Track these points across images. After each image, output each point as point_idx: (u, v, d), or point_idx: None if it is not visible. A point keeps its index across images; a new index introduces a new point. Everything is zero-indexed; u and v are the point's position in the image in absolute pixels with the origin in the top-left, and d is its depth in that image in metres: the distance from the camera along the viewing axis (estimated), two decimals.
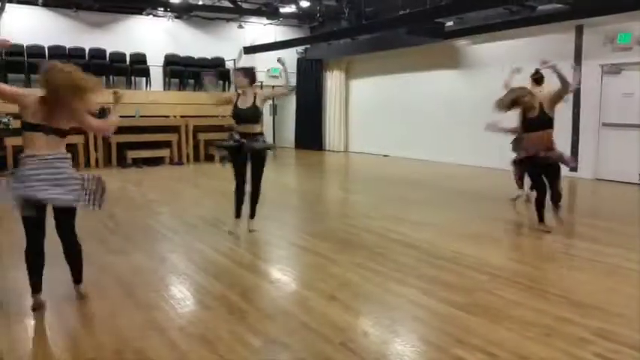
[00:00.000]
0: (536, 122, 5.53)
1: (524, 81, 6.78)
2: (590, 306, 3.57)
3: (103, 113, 11.95)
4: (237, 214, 5.53)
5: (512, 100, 5.44)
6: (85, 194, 3.60)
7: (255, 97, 5.31)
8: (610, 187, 9.06)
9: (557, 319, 3.34)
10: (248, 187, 5.50)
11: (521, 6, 9.84)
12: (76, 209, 3.65)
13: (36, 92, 3.60)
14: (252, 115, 5.30)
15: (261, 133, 5.42)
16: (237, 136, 5.27)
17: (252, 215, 5.64)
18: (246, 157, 5.33)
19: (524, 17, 10.17)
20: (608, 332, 3.14)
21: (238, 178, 5.42)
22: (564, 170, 10.10)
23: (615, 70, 9.48)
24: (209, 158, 12.90)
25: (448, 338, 3.08)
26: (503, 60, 11.16)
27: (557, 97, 5.59)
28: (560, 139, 10.05)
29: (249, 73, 5.41)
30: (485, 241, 5.50)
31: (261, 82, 15.52)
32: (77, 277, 3.75)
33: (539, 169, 5.61)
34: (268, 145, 5.53)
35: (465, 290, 3.90)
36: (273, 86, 12.86)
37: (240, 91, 5.42)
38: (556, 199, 5.68)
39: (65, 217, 3.66)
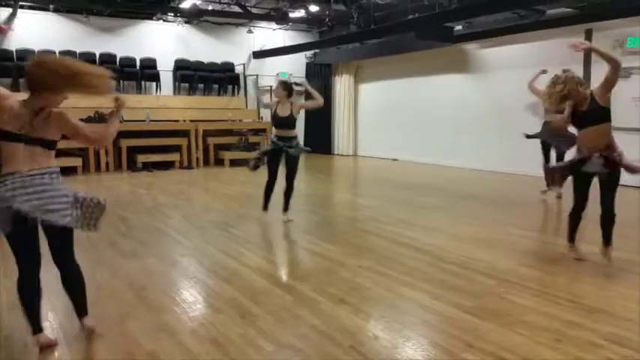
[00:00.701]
0: (589, 116, 4.56)
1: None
2: (601, 311, 3.56)
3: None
4: (265, 207, 6.41)
5: (563, 93, 4.46)
6: (76, 215, 3.03)
7: (292, 107, 6.26)
8: (619, 192, 8.96)
9: (568, 324, 3.33)
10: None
11: (530, 10, 9.83)
12: (72, 229, 3.09)
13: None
14: (289, 122, 6.26)
15: (296, 137, 6.37)
16: (275, 139, 6.23)
17: (286, 208, 6.38)
18: (281, 159, 6.22)
19: (533, 21, 10.16)
20: (619, 337, 3.13)
21: (271, 177, 6.26)
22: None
23: (625, 74, 9.42)
24: (219, 162, 12.96)
25: (458, 343, 3.09)
26: (512, 64, 11.19)
27: (610, 81, 4.57)
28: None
29: (288, 87, 6.33)
30: (496, 246, 5.49)
31: (271, 87, 15.63)
32: (81, 309, 3.23)
33: (588, 176, 4.62)
34: (304, 149, 6.58)
35: (475, 295, 3.90)
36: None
37: (278, 100, 6.32)
38: (607, 220, 4.63)
39: (60, 238, 3.09)
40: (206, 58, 14.56)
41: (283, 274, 4.54)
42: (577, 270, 4.56)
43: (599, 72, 9.57)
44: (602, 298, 3.83)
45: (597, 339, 3.11)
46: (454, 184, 9.61)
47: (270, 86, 15.64)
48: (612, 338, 3.12)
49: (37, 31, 12.54)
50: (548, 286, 4.06)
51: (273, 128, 6.48)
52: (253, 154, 6.67)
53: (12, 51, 12.25)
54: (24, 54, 12.25)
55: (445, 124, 12.71)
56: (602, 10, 9.15)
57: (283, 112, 6.26)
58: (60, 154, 11.60)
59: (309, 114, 16.44)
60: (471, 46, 12.17)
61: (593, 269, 4.55)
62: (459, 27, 11.53)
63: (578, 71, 9.90)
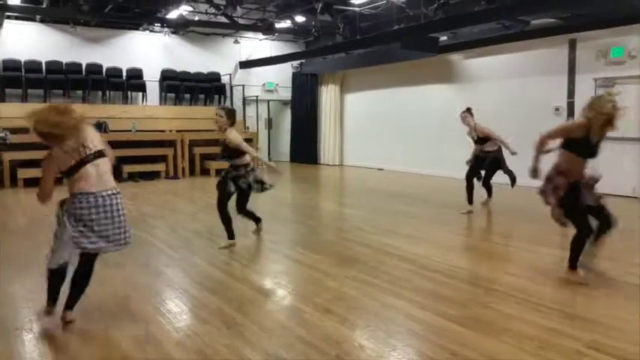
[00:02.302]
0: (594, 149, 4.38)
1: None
2: (585, 319, 3.60)
3: (99, 127, 12.04)
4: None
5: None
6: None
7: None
8: (617, 201, 9.07)
9: (552, 332, 3.36)
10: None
11: (514, 21, 9.96)
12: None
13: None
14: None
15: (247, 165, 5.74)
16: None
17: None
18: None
19: (517, 32, 10.29)
20: (603, 345, 3.16)
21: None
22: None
23: (609, 83, 9.57)
24: (205, 172, 12.93)
25: (444, 352, 3.10)
26: (497, 74, 11.31)
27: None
28: (555, 152, 10.20)
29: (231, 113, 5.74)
30: (481, 255, 5.54)
31: (257, 97, 15.65)
32: (73, 302, 3.56)
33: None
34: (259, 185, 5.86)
35: (460, 303, 3.92)
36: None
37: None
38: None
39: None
40: (192, 69, 14.56)
41: (269, 284, 4.52)
42: (561, 278, 4.59)
43: (584, 81, 9.77)
44: (587, 306, 3.87)
45: (581, 347, 3.15)
46: (439, 193, 9.66)
47: (257, 96, 15.70)
48: (595, 346, 3.15)
49: (24, 42, 12.50)
50: (533, 295, 4.09)
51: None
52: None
53: None
54: (10, 64, 12.20)
55: (430, 134, 12.80)
56: (585, 20, 9.29)
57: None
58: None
59: (296, 123, 16.53)
60: (456, 57, 12.29)
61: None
62: (444, 37, 11.65)
63: (563, 81, 10.11)
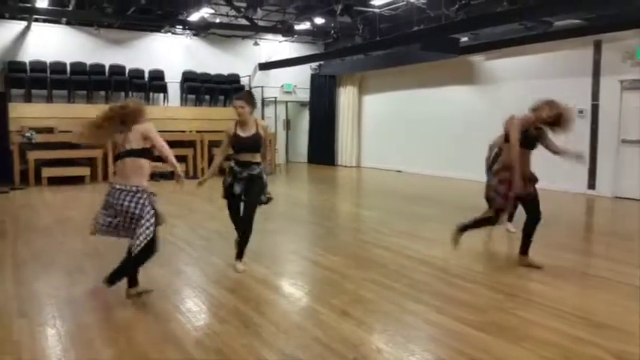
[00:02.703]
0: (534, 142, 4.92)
1: None
2: (609, 327, 3.52)
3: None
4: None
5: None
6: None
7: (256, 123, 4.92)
8: (629, 206, 8.95)
9: (576, 340, 3.30)
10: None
11: (537, 22, 9.82)
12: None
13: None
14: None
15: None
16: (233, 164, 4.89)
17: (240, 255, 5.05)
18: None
19: (540, 33, 10.14)
20: (630, 354, 3.09)
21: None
22: (583, 187, 10.03)
23: (635, 85, 9.40)
24: (223, 173, 12.95)
25: (463, 357, 3.06)
26: (519, 75, 11.17)
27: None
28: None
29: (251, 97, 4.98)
30: (501, 259, 5.48)
31: (275, 98, 15.70)
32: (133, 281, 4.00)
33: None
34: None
35: (480, 309, 3.87)
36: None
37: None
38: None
39: None
40: (213, 70, 14.67)
41: (286, 285, 4.52)
42: (585, 285, 4.53)
43: (609, 84, 9.60)
44: (611, 314, 3.78)
45: (607, 356, 3.08)
46: (459, 196, 9.57)
47: (275, 98, 15.74)
48: (622, 355, 3.08)
49: (50, 44, 12.77)
50: (555, 301, 4.02)
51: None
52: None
53: (25, 63, 12.42)
54: (37, 65, 12.43)
55: (450, 136, 12.69)
56: (611, 21, 9.09)
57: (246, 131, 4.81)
58: (69, 163, 11.64)
59: (314, 125, 16.54)
60: (477, 58, 12.18)
61: (600, 284, 4.52)
62: (465, 38, 11.54)
63: (588, 84, 9.94)
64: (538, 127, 4.82)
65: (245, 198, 4.78)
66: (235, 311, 3.80)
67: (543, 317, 3.70)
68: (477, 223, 5.19)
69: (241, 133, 4.78)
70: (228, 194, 4.84)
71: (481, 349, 3.16)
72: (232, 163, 4.84)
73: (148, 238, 3.74)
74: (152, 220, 3.79)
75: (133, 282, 3.97)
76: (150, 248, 3.81)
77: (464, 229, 5.19)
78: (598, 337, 3.34)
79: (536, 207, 4.90)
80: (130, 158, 3.87)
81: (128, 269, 3.91)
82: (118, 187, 3.82)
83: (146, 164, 3.94)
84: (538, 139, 4.86)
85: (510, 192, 4.73)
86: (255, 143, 4.79)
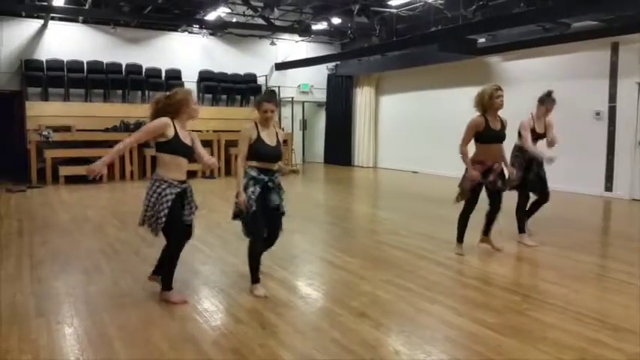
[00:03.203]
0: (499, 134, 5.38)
1: None
2: (626, 330, 3.49)
3: (138, 126, 12.26)
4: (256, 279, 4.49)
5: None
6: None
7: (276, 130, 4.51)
8: (631, 206, 8.85)
9: (593, 343, 3.28)
10: None
11: (555, 23, 9.75)
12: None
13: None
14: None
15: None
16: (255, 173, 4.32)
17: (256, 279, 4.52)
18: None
19: (558, 34, 10.07)
20: None
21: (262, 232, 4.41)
22: (600, 189, 9.93)
23: None
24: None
25: (479, 359, 3.06)
26: (536, 77, 11.09)
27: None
28: (595, 158, 9.96)
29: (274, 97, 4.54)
30: (518, 261, 5.45)
31: (292, 98, 15.74)
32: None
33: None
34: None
35: (497, 311, 3.86)
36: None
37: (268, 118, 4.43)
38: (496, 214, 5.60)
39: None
40: (229, 70, 14.75)
41: (303, 286, 4.53)
42: (602, 287, 4.49)
43: (626, 86, 9.51)
44: (627, 317, 3.75)
45: (623, 358, 3.06)
46: None
47: (292, 98, 15.77)
48: (639, 358, 3.06)
49: (67, 42, 12.90)
50: (572, 303, 4.00)
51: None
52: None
53: (42, 61, 12.56)
54: (54, 64, 12.58)
55: None
56: (628, 23, 9.03)
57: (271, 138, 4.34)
58: (86, 162, 11.80)
59: (330, 125, 16.55)
60: (494, 59, 12.12)
61: (618, 286, 4.48)
62: (482, 39, 11.49)
63: (605, 85, 9.85)
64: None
65: (277, 209, 4.37)
66: (252, 311, 3.82)
67: (560, 319, 3.68)
68: (488, 220, 5.63)
69: (266, 140, 4.28)
70: (258, 207, 4.20)
71: (497, 351, 3.15)
72: (254, 172, 4.24)
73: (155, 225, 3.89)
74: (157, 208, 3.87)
75: (157, 269, 4.16)
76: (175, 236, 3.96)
77: (486, 232, 5.66)
78: (614, 340, 3.32)
79: (499, 199, 5.45)
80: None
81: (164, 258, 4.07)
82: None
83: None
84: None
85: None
86: (280, 152, 4.42)
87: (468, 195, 5.37)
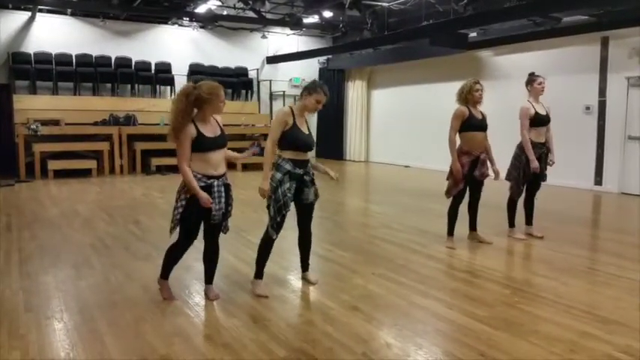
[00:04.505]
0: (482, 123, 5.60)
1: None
2: (616, 322, 3.52)
3: (128, 120, 12.20)
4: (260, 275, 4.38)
5: None
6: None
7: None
8: (636, 202, 8.93)
9: (583, 335, 3.30)
10: None
11: (545, 18, 9.78)
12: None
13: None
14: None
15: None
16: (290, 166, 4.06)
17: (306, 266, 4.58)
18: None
19: (548, 29, 10.11)
20: (636, 350, 3.09)
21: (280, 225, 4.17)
22: (590, 183, 10.00)
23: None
24: (231, 167, 12.97)
25: (471, 352, 3.07)
26: (527, 71, 11.11)
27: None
28: (585, 152, 10.02)
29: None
30: (510, 255, 5.48)
31: (284, 92, 15.69)
32: (210, 279, 4.04)
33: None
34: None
35: (489, 304, 3.87)
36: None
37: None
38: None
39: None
40: (220, 63, 14.66)
41: (295, 280, 4.53)
42: (592, 280, 4.52)
43: (616, 80, 9.56)
44: (617, 309, 3.78)
45: (613, 351, 3.08)
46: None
47: (284, 91, 15.70)
48: (629, 350, 3.09)
49: (55, 35, 12.75)
50: (563, 296, 4.03)
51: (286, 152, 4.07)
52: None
53: (30, 54, 12.42)
54: (42, 57, 12.44)
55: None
56: (618, 18, 9.09)
57: (304, 127, 4.16)
58: (75, 156, 11.65)
59: (322, 119, 16.52)
60: (485, 53, 12.14)
61: (607, 280, 4.51)
62: (473, 34, 11.50)
63: (595, 80, 9.90)
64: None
65: (310, 205, 4.25)
66: (244, 306, 3.81)
67: (551, 312, 3.71)
68: (470, 213, 5.81)
69: (302, 128, 4.04)
70: (289, 204, 3.99)
71: (488, 344, 3.16)
72: (288, 166, 3.96)
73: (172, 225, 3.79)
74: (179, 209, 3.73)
75: (207, 279, 4.09)
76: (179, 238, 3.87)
77: (473, 227, 5.79)
78: (604, 332, 3.35)
79: (480, 189, 5.67)
80: None
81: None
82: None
83: None
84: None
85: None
86: (314, 142, 4.28)
87: (461, 187, 5.44)
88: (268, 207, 4.02)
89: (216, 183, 3.70)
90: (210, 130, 3.75)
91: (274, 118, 4.00)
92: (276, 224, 4.02)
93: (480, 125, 5.44)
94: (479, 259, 5.14)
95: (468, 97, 5.43)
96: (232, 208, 3.97)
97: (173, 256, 3.92)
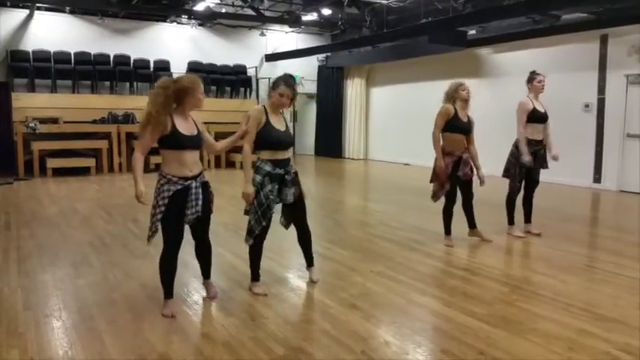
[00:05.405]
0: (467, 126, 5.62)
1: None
2: (614, 320, 3.52)
3: (127, 118, 12.18)
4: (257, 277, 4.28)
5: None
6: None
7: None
8: (634, 199, 8.94)
9: (581, 333, 3.30)
10: None
11: (544, 15, 9.77)
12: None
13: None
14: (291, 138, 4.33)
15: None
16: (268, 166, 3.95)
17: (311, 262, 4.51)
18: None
19: (547, 26, 10.09)
20: (634, 347, 3.09)
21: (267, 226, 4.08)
22: (589, 181, 10.00)
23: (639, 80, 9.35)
24: (230, 165, 12.99)
25: (470, 350, 3.07)
26: (526, 69, 11.11)
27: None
28: (584, 149, 10.02)
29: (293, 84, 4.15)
30: (509, 253, 5.48)
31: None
32: (208, 274, 4.01)
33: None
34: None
35: (487, 302, 3.88)
36: None
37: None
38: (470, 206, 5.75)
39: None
40: (219, 61, 14.64)
41: (294, 278, 4.53)
42: (590, 278, 4.53)
43: (615, 78, 9.55)
44: (616, 307, 3.78)
45: (612, 349, 3.08)
46: None
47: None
48: (627, 348, 3.09)
49: (53, 33, 12.73)
50: (561, 294, 4.03)
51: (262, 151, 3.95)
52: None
53: (29, 52, 12.40)
54: (40, 55, 12.42)
55: None
56: (617, 15, 9.07)
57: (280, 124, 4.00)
58: (73, 154, 11.63)
59: (321, 117, 16.51)
60: (484, 51, 12.13)
61: (606, 278, 4.51)
62: (472, 31, 11.48)
63: (594, 78, 9.89)
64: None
65: (297, 203, 4.14)
66: (243, 304, 3.81)
67: (549, 310, 3.71)
68: (466, 212, 5.74)
69: (277, 125, 3.91)
70: (273, 206, 3.93)
71: (487, 342, 3.16)
72: (268, 167, 3.88)
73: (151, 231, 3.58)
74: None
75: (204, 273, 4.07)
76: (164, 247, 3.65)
77: (472, 225, 5.75)
78: (603, 330, 3.35)
79: (469, 188, 5.62)
80: None
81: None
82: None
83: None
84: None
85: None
86: (292, 138, 4.17)
87: (447, 188, 5.41)
88: (247, 212, 3.94)
89: (193, 184, 3.58)
90: (186, 128, 3.59)
91: (247, 115, 3.93)
92: (261, 228, 3.93)
93: (464, 128, 5.44)
94: (477, 257, 5.14)
95: (455, 95, 5.48)
96: (213, 204, 3.95)
97: (166, 268, 3.64)
